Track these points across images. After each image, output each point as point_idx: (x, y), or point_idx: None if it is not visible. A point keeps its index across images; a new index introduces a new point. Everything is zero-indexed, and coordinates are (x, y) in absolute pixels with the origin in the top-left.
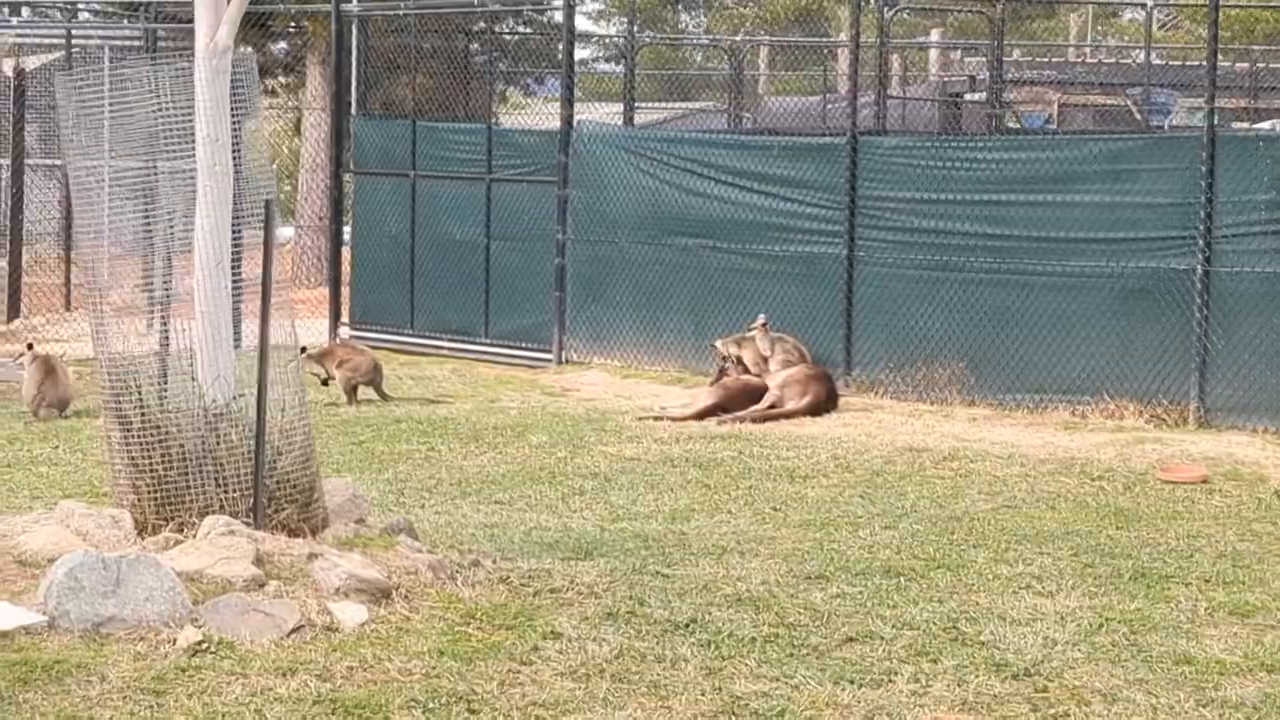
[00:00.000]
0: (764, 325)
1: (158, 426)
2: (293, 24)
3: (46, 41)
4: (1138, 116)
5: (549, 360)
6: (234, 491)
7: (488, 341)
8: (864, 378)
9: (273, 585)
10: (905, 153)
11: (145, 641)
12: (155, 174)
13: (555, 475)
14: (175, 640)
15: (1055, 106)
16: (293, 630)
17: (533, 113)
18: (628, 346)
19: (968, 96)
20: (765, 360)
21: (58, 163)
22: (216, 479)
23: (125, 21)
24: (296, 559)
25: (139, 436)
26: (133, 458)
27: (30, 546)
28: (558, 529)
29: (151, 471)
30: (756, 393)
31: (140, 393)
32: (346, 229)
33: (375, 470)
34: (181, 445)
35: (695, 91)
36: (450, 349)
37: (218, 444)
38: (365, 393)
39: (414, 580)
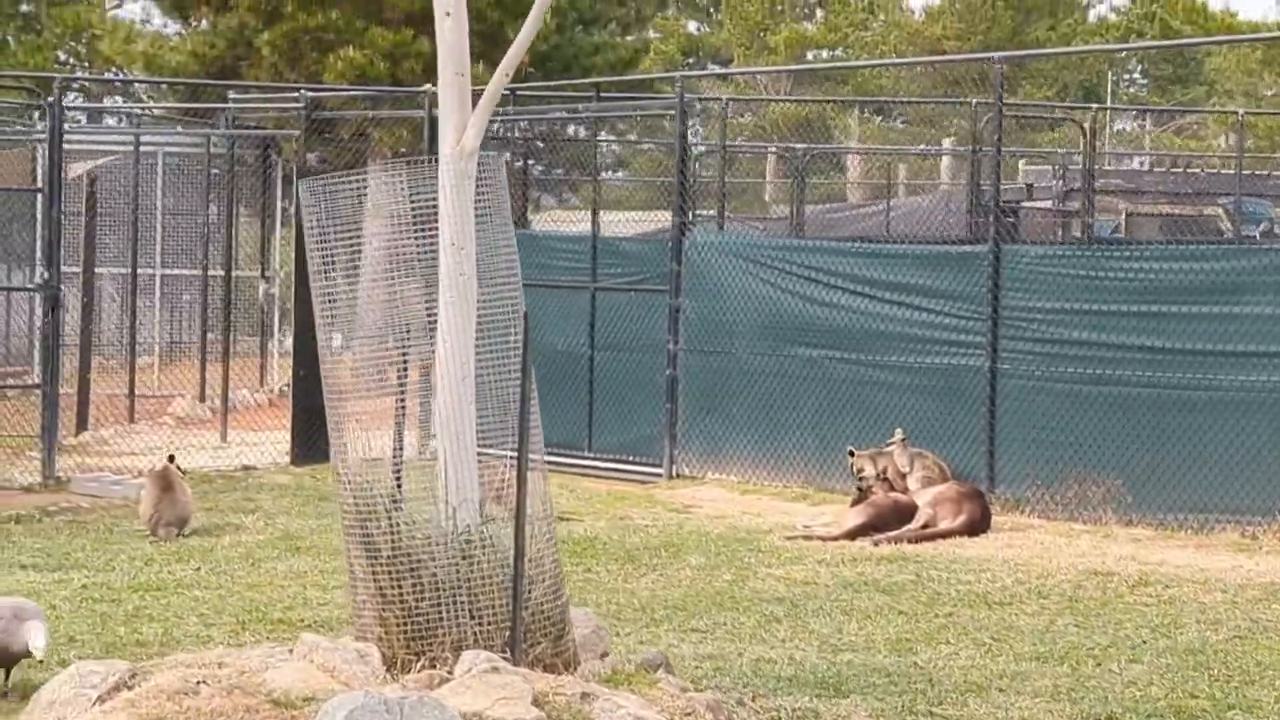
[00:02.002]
0: (903, 440)
1: (408, 554)
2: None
3: (92, 148)
4: (1227, 225)
5: (658, 475)
6: (488, 624)
7: (592, 455)
8: (1008, 495)
9: None
10: (1054, 262)
11: None
12: (393, 284)
13: (737, 600)
14: None
15: (1123, 216)
16: None
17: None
18: (745, 461)
19: (1025, 204)
20: (903, 477)
21: (115, 270)
22: (470, 610)
23: (179, 127)
24: (571, 699)
25: (388, 565)
26: (380, 587)
27: (280, 684)
28: (783, 661)
29: (401, 602)
30: (907, 511)
31: (390, 518)
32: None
33: None
34: (434, 574)
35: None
36: (551, 462)
37: (471, 572)
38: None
39: None
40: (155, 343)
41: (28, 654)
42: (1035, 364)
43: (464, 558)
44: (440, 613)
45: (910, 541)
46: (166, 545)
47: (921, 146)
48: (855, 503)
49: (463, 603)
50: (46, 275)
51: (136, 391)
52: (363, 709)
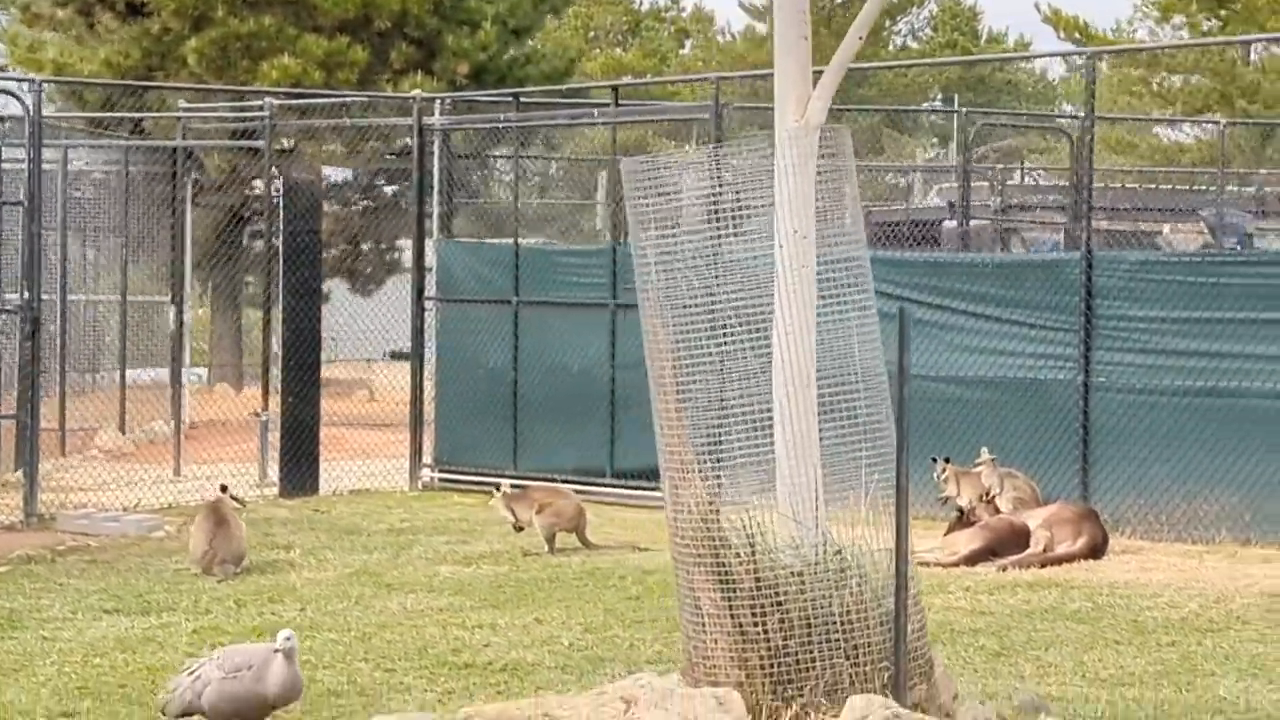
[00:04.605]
0: (992, 460)
1: (773, 587)
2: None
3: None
4: (1210, 240)
5: None
6: (865, 664)
7: (613, 481)
8: (1105, 516)
9: None
10: (1156, 269)
11: None
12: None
13: (930, 633)
14: None
15: (1062, 233)
16: None
17: None
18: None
19: (946, 223)
20: (992, 500)
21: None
22: (845, 649)
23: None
24: None
25: (750, 599)
26: (740, 625)
27: None
28: (1081, 699)
29: (766, 641)
30: (1023, 534)
31: (753, 547)
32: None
33: None
34: (803, 609)
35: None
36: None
37: (845, 606)
38: (565, 540)
39: None
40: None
41: (285, 702)
42: (1134, 376)
43: (836, 590)
44: (812, 652)
45: (1038, 566)
46: (237, 585)
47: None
48: (954, 527)
49: (837, 640)
50: (27, 296)
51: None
52: None
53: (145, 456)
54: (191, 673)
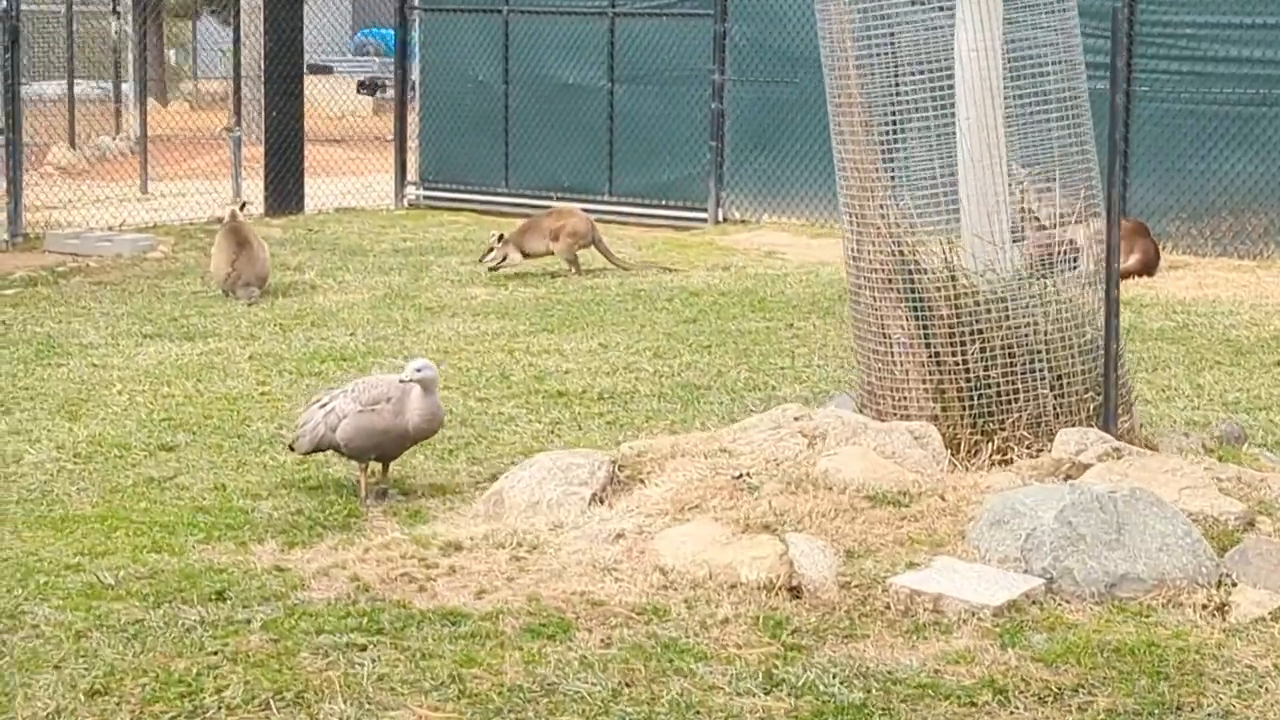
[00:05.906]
0: (1029, 176)
1: (972, 314)
2: None
3: None
4: None
5: (700, 219)
6: (1070, 395)
7: (612, 200)
8: None
9: (1264, 522)
10: None
11: (1185, 609)
12: None
13: None
14: (1227, 606)
15: None
16: None
17: None
18: (810, 202)
19: None
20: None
21: None
22: (1049, 380)
23: None
24: (1240, 484)
25: (948, 327)
26: (936, 355)
27: (849, 476)
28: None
29: (965, 372)
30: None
31: (950, 272)
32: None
33: (769, 356)
34: (1005, 337)
35: None
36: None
37: (1049, 334)
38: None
39: None
40: None
41: (425, 435)
42: (1178, 85)
43: (1040, 316)
44: (1014, 383)
45: None
46: (270, 309)
47: None
48: None
49: (1040, 370)
50: (5, 4)
51: None
52: (1073, 508)
53: (100, 174)
54: (322, 405)
